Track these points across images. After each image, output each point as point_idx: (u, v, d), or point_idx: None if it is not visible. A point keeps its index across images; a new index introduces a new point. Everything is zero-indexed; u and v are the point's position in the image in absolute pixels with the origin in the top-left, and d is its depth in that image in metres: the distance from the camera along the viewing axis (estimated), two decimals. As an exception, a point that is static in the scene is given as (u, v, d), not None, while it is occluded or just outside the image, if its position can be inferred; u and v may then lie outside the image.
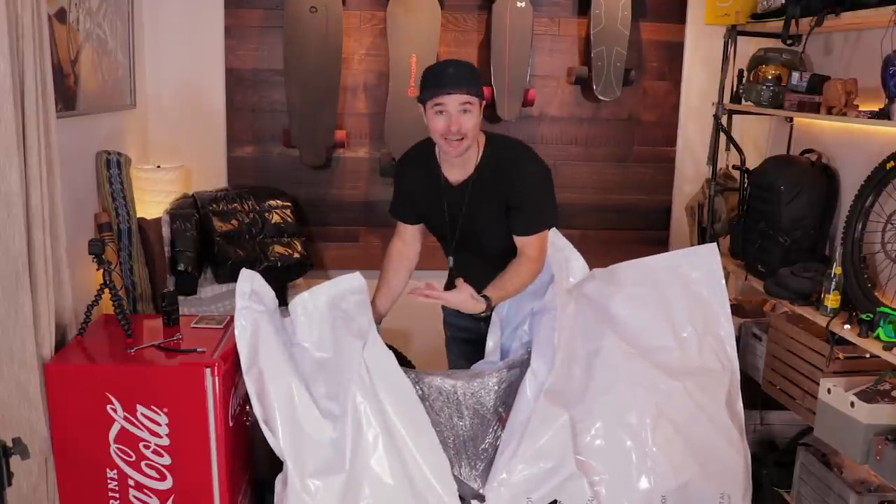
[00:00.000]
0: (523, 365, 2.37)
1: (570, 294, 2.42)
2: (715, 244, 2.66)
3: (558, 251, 2.47)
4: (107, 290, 2.49)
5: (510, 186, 2.39)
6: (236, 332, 2.26)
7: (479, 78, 2.35)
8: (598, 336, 2.40)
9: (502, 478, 2.23)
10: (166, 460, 2.29)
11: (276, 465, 2.29)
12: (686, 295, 2.52)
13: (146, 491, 2.31)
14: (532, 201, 2.42)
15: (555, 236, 2.48)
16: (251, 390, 2.22)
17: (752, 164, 3.40)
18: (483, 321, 2.55)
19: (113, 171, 3.02)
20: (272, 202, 3.60)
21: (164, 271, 3.23)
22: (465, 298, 2.30)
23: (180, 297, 3.11)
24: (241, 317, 2.27)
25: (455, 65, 2.33)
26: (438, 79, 2.29)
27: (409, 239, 2.64)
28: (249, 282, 2.33)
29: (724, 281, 2.54)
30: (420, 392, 2.33)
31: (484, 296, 2.33)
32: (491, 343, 2.52)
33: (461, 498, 2.34)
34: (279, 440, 2.20)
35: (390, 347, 2.35)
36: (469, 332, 2.66)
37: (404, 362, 2.87)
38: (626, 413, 2.30)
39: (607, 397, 2.32)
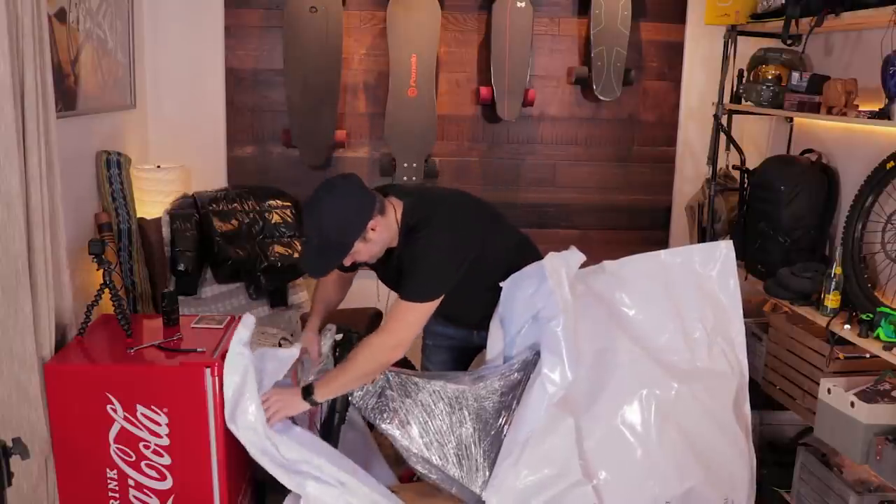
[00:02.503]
0: (527, 368, 2.36)
1: (577, 291, 2.35)
2: (731, 241, 2.57)
3: (554, 273, 2.28)
4: (107, 290, 2.49)
5: (411, 251, 2.24)
6: (225, 380, 2.19)
7: (339, 237, 2.14)
8: (606, 335, 2.37)
9: (505, 483, 2.21)
10: (166, 460, 2.29)
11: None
12: (698, 292, 2.47)
13: (146, 491, 2.31)
14: (414, 264, 2.21)
15: (548, 260, 2.30)
16: (239, 437, 2.20)
17: (752, 164, 3.40)
18: (474, 330, 2.51)
19: (113, 171, 3.02)
20: (272, 202, 3.60)
21: (164, 271, 3.23)
22: (286, 400, 2.22)
23: (180, 297, 3.10)
24: (232, 365, 2.19)
25: (306, 245, 2.18)
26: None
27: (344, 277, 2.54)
28: (250, 329, 2.24)
29: (737, 280, 2.51)
30: (420, 395, 2.32)
31: (307, 387, 2.22)
32: (495, 350, 2.46)
33: (461, 502, 2.33)
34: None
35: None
36: (455, 340, 2.60)
37: (404, 364, 2.86)
38: (632, 417, 2.28)
39: (613, 400, 2.29)
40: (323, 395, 2.24)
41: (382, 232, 2.20)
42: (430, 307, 2.22)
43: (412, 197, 2.30)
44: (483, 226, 2.38)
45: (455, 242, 2.25)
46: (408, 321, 2.21)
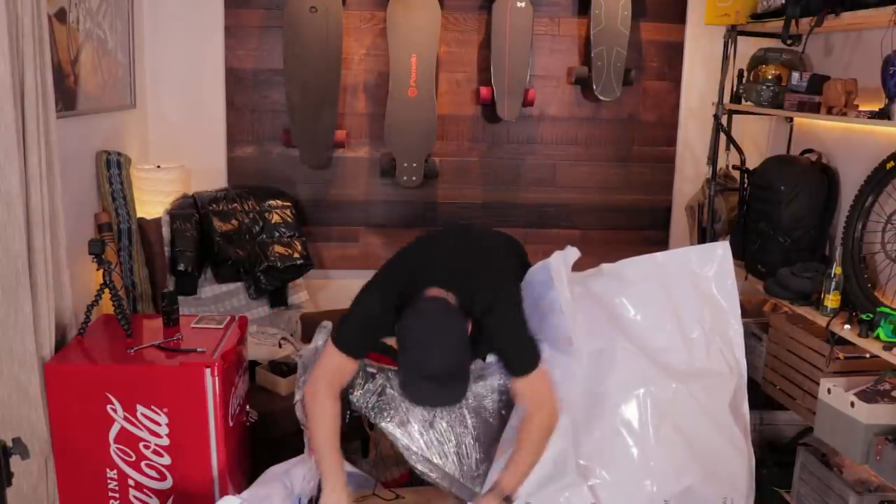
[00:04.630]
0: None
1: (576, 293, 2.37)
2: (727, 242, 2.58)
3: (556, 273, 2.29)
4: (107, 290, 2.49)
5: (493, 332, 2.16)
6: None
7: (462, 361, 2.02)
8: (604, 335, 2.36)
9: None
10: (166, 460, 2.29)
11: (277, 464, 2.29)
12: (695, 293, 2.48)
13: (146, 491, 2.32)
14: (512, 341, 2.18)
15: (554, 260, 2.30)
16: None
17: (752, 164, 3.40)
18: None
19: (113, 171, 3.02)
20: (272, 202, 3.61)
21: (164, 271, 3.23)
22: None
23: (180, 297, 3.10)
24: None
25: (427, 384, 1.95)
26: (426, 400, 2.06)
27: (340, 385, 2.23)
28: None
29: (735, 280, 2.52)
30: None
31: (501, 493, 2.11)
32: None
33: (460, 500, 2.33)
34: None
35: (391, 349, 2.33)
36: None
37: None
38: (630, 416, 2.28)
39: (610, 400, 2.29)
40: (519, 488, 2.15)
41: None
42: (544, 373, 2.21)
43: (454, 278, 2.14)
44: (514, 269, 2.38)
45: (521, 304, 2.23)
46: (548, 387, 2.19)
